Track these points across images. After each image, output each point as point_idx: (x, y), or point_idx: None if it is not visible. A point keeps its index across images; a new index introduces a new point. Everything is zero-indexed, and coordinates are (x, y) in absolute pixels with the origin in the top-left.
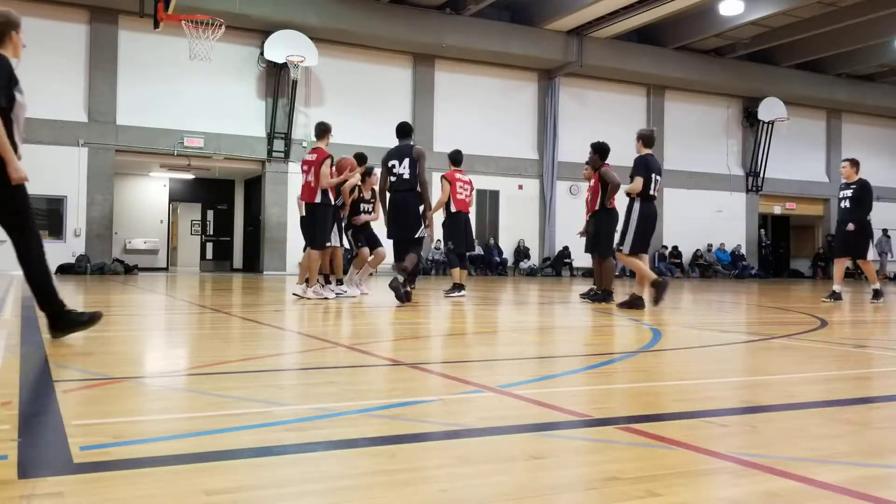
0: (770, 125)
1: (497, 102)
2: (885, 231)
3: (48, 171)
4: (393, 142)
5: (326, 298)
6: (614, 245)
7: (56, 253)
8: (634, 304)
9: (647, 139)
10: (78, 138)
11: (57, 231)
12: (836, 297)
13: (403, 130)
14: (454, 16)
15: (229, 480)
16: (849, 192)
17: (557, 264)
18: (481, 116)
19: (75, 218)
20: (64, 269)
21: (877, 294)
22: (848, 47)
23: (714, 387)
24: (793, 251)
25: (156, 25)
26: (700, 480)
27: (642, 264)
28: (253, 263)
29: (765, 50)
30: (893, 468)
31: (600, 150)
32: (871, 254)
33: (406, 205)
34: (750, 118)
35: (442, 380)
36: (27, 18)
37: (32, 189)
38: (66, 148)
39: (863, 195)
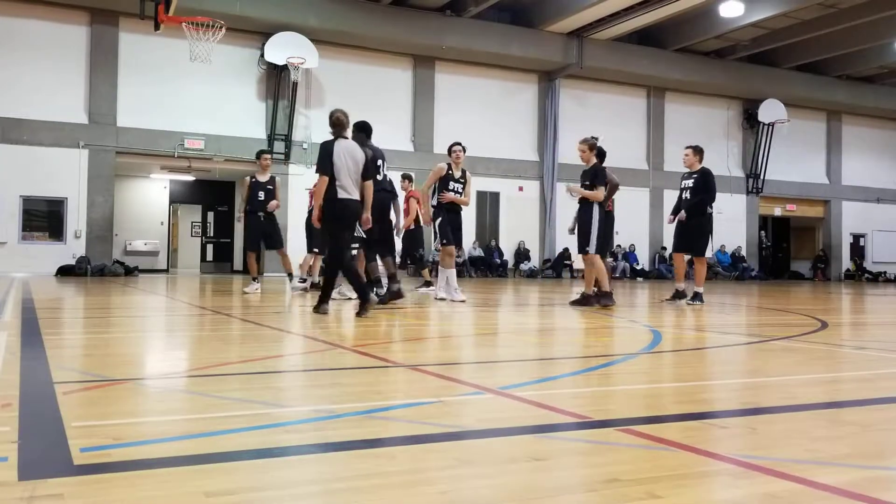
0: (770, 127)
1: (497, 104)
2: None
3: (49, 172)
4: (393, 144)
5: (350, 298)
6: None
7: (56, 255)
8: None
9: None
10: (78, 140)
11: (57, 233)
12: (679, 296)
13: (370, 129)
14: (454, 17)
15: (229, 482)
16: (690, 182)
17: (558, 266)
18: (482, 118)
19: (76, 219)
20: (64, 271)
21: (696, 296)
22: (848, 49)
23: (714, 388)
24: (793, 253)
25: (156, 27)
26: (700, 482)
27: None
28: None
29: (765, 51)
30: (894, 470)
31: (599, 153)
32: (710, 251)
33: (385, 205)
34: (750, 120)
35: (442, 381)
36: (28, 21)
37: (32, 191)
38: (66, 150)
39: (705, 185)
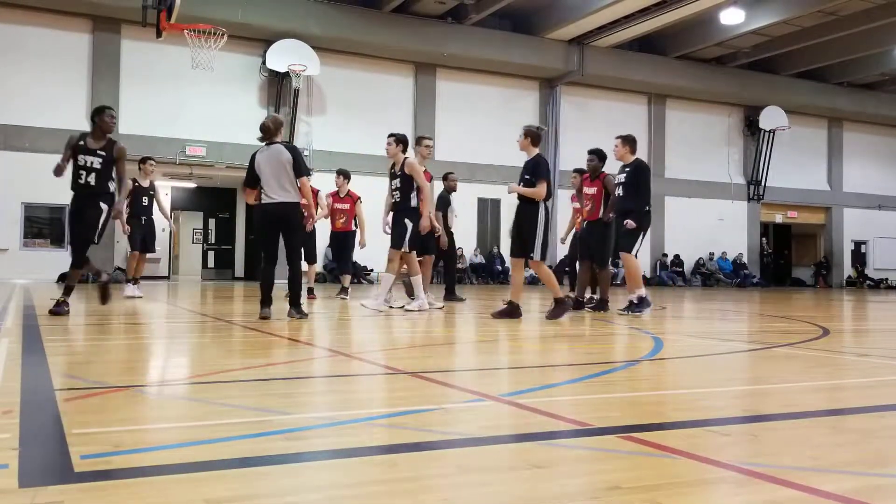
0: (771, 134)
1: (498, 111)
2: None
3: (50, 179)
4: None
5: (434, 307)
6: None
7: (58, 262)
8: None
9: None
10: None
11: (59, 240)
12: (643, 303)
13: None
14: (455, 25)
15: (230, 489)
16: (622, 177)
17: (559, 273)
18: (483, 125)
19: None
20: (65, 278)
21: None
22: (849, 56)
23: (716, 396)
24: (794, 260)
25: (158, 35)
26: (702, 490)
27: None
28: (254, 272)
29: (766, 59)
30: None
31: (603, 157)
32: (637, 248)
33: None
34: (751, 127)
35: (443, 388)
36: (30, 28)
37: (35, 198)
38: None
39: (638, 179)
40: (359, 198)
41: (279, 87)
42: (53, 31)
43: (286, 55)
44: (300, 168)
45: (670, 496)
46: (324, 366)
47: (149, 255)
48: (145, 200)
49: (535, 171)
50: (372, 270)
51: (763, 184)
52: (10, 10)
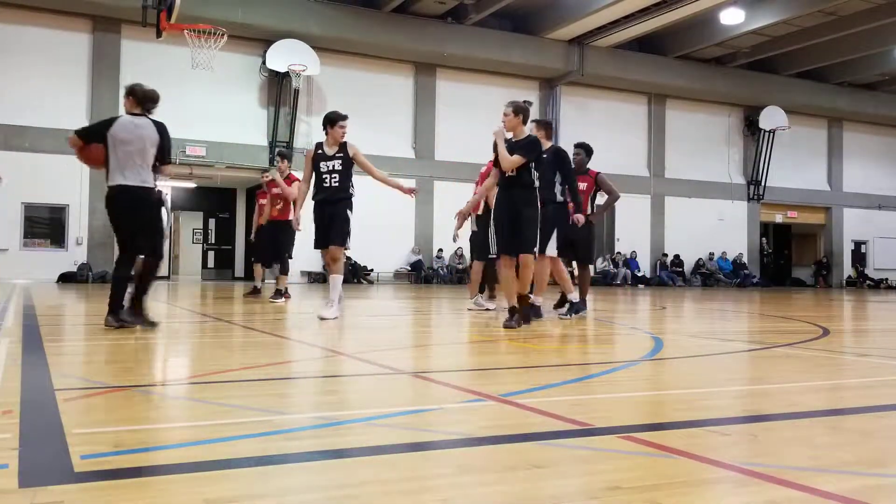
0: (771, 134)
1: (498, 111)
2: None
3: (51, 179)
4: (395, 151)
5: (489, 310)
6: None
7: (58, 262)
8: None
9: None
10: None
11: (59, 240)
12: (574, 308)
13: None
14: (455, 25)
15: (230, 489)
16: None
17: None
18: (483, 125)
19: (77, 226)
20: (65, 278)
21: (572, 306)
22: (848, 56)
23: (716, 396)
24: (794, 259)
25: (158, 35)
26: (702, 490)
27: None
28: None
29: (766, 59)
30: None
31: (590, 151)
32: (552, 247)
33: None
34: (751, 127)
35: (443, 388)
36: (31, 28)
37: (35, 198)
38: (68, 157)
39: (560, 167)
40: (296, 179)
41: (279, 87)
42: (53, 31)
43: (286, 55)
44: (165, 154)
45: (670, 496)
46: (323, 366)
47: None
48: None
49: (528, 149)
50: (371, 271)
51: (763, 184)
52: (10, 9)
